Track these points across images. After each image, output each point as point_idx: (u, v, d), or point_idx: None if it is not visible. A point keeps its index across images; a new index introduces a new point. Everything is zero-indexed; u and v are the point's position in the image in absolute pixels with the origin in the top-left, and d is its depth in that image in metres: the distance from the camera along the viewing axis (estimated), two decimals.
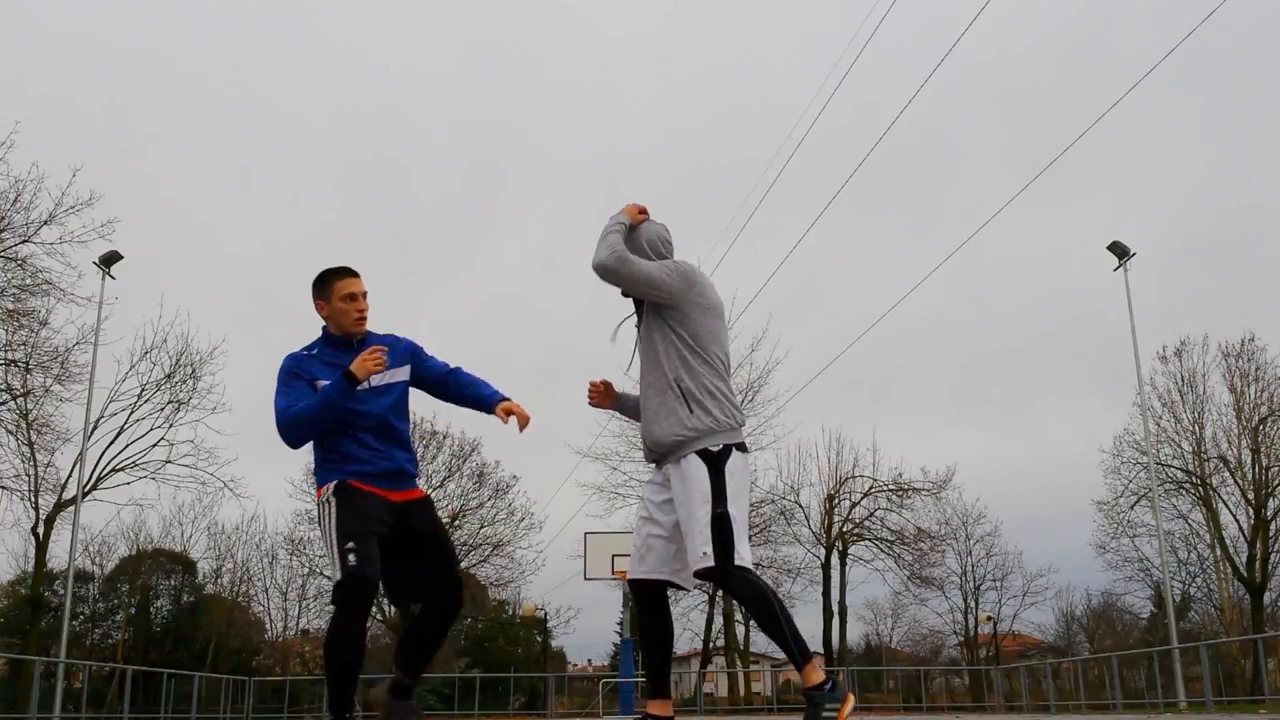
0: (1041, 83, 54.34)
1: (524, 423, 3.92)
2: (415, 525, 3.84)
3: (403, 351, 4.03)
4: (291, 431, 3.73)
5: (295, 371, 3.84)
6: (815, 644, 37.59)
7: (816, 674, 3.30)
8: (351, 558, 3.55)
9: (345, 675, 3.60)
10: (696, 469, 3.40)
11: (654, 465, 3.67)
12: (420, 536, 3.85)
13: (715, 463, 3.41)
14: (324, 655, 3.62)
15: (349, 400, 3.74)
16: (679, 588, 3.59)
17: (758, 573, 3.41)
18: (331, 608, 3.67)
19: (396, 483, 3.84)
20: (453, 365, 4.13)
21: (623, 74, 63.52)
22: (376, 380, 3.86)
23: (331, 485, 3.73)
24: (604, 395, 3.94)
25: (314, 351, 3.94)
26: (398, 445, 3.89)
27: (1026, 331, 57.03)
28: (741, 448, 3.51)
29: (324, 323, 3.99)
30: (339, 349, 3.92)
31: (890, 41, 31.57)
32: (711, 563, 3.29)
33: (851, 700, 3.26)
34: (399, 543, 3.77)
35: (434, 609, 3.86)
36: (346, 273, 3.96)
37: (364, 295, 3.94)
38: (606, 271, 3.57)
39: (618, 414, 3.99)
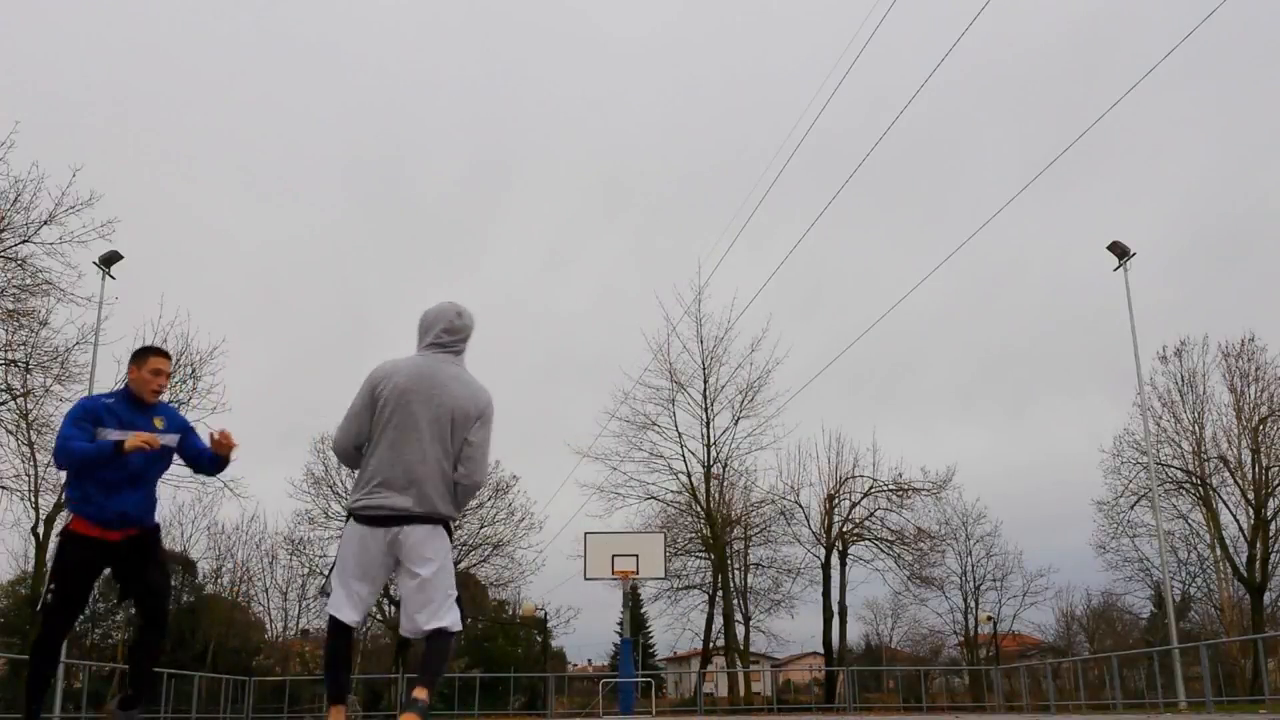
0: (1049, 81, 54.44)
1: (228, 445, 4.75)
2: (129, 558, 4.67)
3: (178, 424, 4.87)
4: (60, 460, 4.48)
5: (87, 416, 4.54)
6: (815, 644, 37.60)
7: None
8: (50, 597, 4.46)
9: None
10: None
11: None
12: (131, 566, 4.70)
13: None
14: None
15: (107, 463, 4.43)
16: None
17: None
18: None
19: (116, 525, 4.58)
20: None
21: (626, 74, 63.57)
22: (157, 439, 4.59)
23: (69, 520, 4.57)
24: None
25: (112, 401, 4.66)
26: (140, 490, 4.65)
27: (1031, 331, 57.20)
28: (351, 516, 3.81)
29: (128, 382, 4.72)
30: (133, 407, 4.67)
31: (894, 41, 31.61)
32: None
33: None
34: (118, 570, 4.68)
35: (142, 626, 4.73)
36: (161, 354, 4.83)
37: (167, 377, 4.76)
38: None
39: None
